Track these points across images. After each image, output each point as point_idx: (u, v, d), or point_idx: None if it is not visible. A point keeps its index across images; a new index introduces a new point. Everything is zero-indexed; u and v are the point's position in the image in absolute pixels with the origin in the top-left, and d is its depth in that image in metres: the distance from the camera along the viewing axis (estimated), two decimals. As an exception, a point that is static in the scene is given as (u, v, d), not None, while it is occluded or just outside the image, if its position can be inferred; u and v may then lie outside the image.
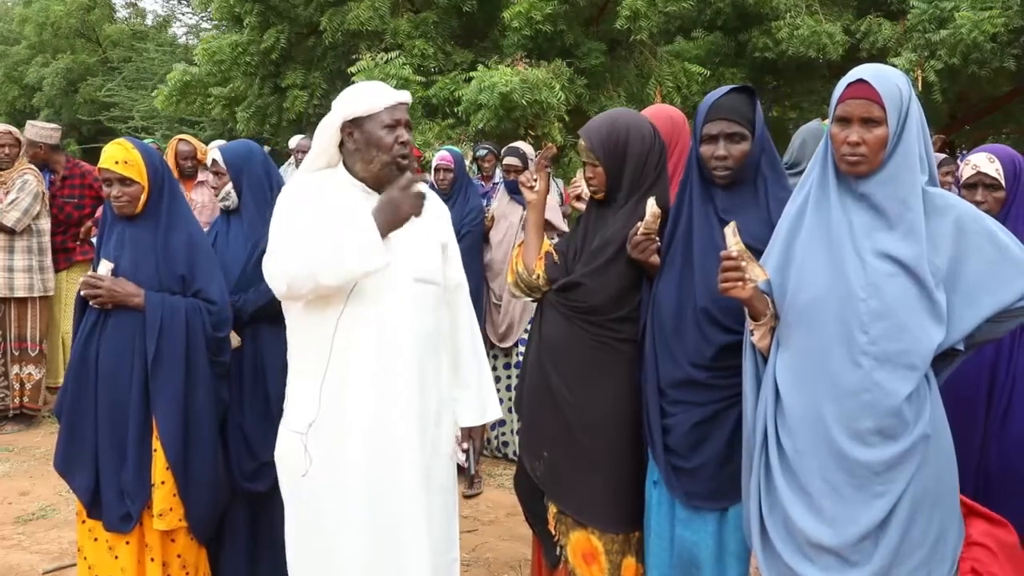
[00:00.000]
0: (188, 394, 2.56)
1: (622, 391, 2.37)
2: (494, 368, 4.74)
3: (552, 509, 2.47)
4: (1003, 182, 2.52)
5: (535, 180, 2.53)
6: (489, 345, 4.76)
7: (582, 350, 2.39)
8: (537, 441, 2.49)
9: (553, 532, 2.47)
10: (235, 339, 2.79)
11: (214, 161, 2.95)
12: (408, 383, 2.18)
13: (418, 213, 2.09)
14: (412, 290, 2.20)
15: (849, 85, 1.84)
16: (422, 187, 2.16)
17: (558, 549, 2.46)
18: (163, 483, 2.55)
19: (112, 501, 2.54)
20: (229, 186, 2.92)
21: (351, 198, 2.20)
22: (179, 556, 2.63)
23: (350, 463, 2.15)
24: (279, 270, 2.09)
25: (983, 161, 2.57)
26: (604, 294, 2.37)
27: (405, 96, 2.23)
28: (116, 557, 2.57)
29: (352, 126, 2.19)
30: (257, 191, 2.93)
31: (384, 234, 2.03)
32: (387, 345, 2.15)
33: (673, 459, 2.25)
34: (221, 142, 6.98)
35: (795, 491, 1.90)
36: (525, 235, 2.62)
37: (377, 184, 2.21)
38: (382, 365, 2.15)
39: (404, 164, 2.19)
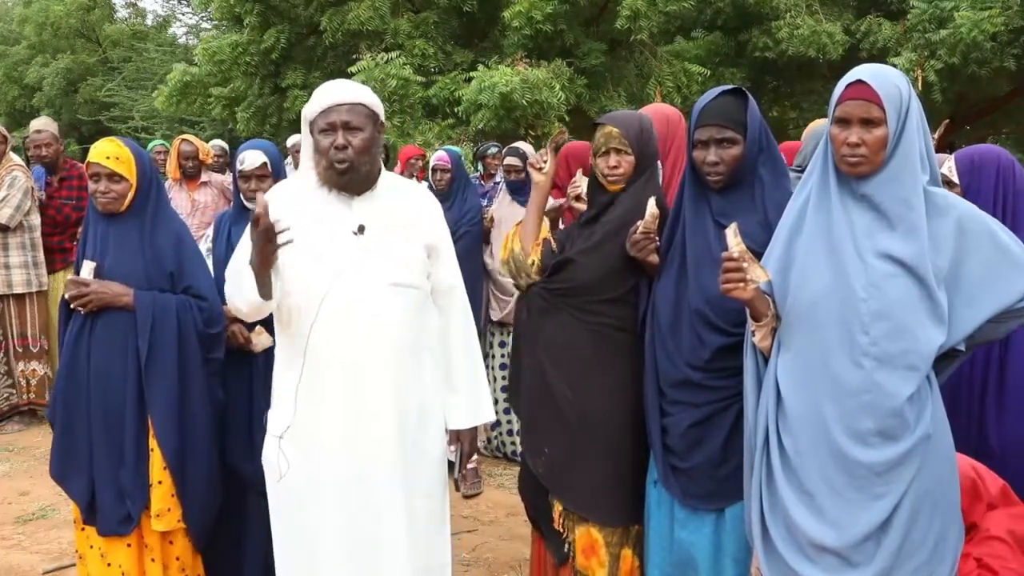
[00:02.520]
0: (183, 392, 2.55)
1: (621, 383, 2.38)
2: (491, 369, 4.73)
3: (558, 506, 2.48)
4: (955, 178, 2.59)
5: (545, 161, 2.54)
6: (488, 344, 4.76)
7: (579, 344, 2.40)
8: (538, 439, 2.51)
9: (560, 529, 2.47)
10: (268, 339, 2.79)
11: (263, 164, 2.96)
12: (383, 388, 2.16)
13: (272, 248, 1.99)
14: (386, 294, 2.16)
15: (848, 86, 1.83)
16: (387, 189, 2.24)
17: (566, 546, 2.47)
18: (160, 483, 2.54)
19: (111, 504, 2.52)
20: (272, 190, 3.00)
21: (314, 204, 2.19)
22: (178, 559, 2.62)
23: (326, 467, 2.16)
24: (226, 295, 2.25)
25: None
26: (591, 273, 2.38)
27: (346, 95, 2.15)
28: (108, 564, 2.55)
29: (311, 130, 2.21)
30: None
31: (259, 271, 2.04)
32: (361, 350, 2.14)
33: (671, 459, 2.26)
34: (220, 142, 6.98)
35: (796, 492, 1.90)
36: (525, 215, 2.62)
37: (329, 187, 2.19)
38: (356, 370, 2.14)
39: (340, 168, 2.13)
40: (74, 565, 3.46)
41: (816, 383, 1.87)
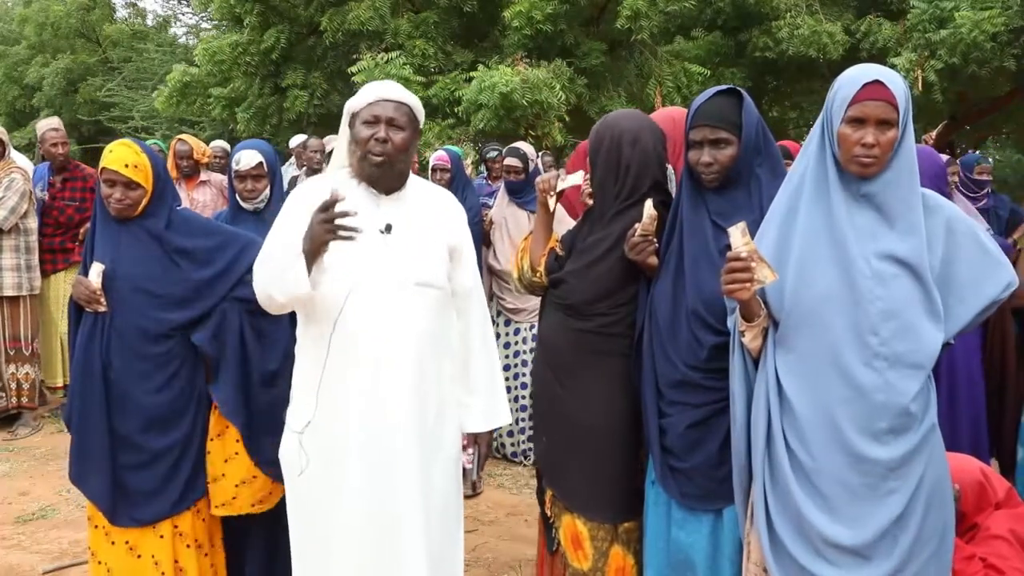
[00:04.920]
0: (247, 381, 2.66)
1: (612, 385, 2.40)
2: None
3: (549, 492, 2.53)
4: None
5: (552, 196, 2.56)
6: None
7: (567, 344, 2.44)
8: (539, 427, 2.59)
9: (549, 514, 2.53)
10: None
11: (259, 163, 3.00)
12: (404, 386, 2.18)
13: (332, 237, 2.02)
14: (411, 293, 2.18)
15: (865, 86, 1.81)
16: (412, 191, 2.23)
17: (553, 531, 2.52)
18: (255, 478, 2.65)
19: (150, 492, 2.54)
20: (268, 189, 3.04)
21: (351, 197, 2.19)
22: (196, 540, 2.66)
23: (346, 464, 2.16)
24: (253, 287, 2.22)
25: None
26: (583, 293, 2.40)
27: (395, 94, 2.20)
28: (139, 556, 2.57)
29: (351, 123, 2.24)
30: (280, 191, 3.08)
31: (309, 260, 2.05)
32: (383, 348, 2.15)
33: (669, 459, 2.26)
34: (222, 143, 6.99)
35: (808, 492, 1.89)
36: (534, 230, 2.64)
37: (364, 180, 2.21)
38: (378, 368, 2.15)
39: (375, 161, 2.16)
40: (74, 565, 3.47)
41: (825, 385, 1.86)
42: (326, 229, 2.00)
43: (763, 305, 1.95)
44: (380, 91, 2.20)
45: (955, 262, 1.86)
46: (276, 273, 2.12)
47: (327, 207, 1.99)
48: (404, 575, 2.18)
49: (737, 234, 1.87)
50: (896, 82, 1.82)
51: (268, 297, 2.17)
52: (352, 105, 2.23)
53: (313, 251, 2.05)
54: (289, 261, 2.07)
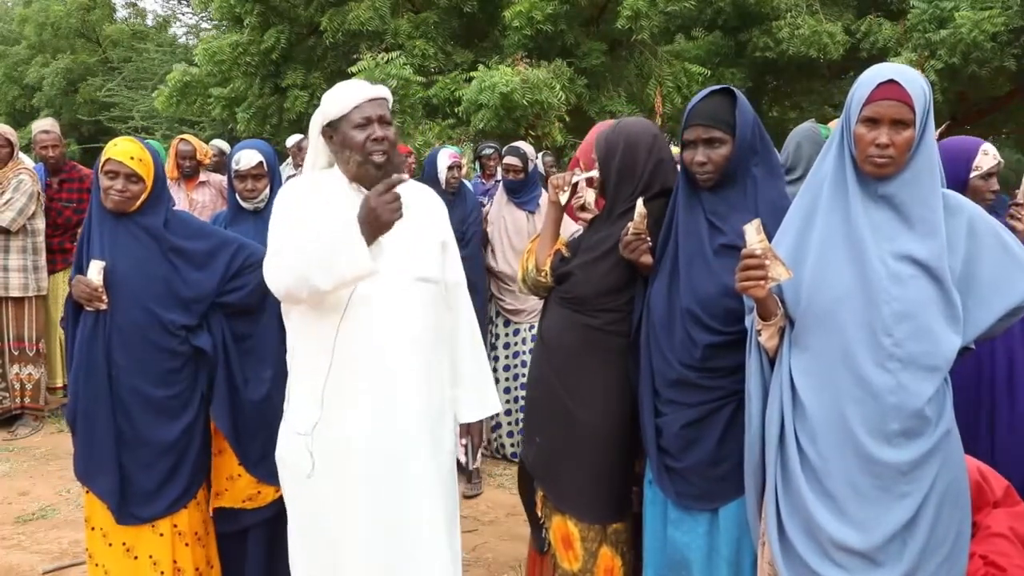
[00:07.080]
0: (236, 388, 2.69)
1: (611, 385, 2.40)
2: (493, 370, 4.73)
3: (540, 492, 2.53)
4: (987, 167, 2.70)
5: (565, 190, 2.57)
6: (490, 347, 4.76)
7: (572, 340, 2.44)
8: (532, 427, 2.58)
9: (540, 515, 2.53)
10: None
11: (259, 163, 3.01)
12: (412, 383, 2.18)
13: (397, 217, 1.98)
14: (413, 290, 2.20)
15: (879, 86, 1.80)
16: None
17: (543, 531, 2.51)
18: (239, 476, 2.68)
19: (151, 491, 2.56)
20: (268, 189, 3.05)
21: (344, 198, 2.20)
22: (195, 533, 2.69)
23: (354, 465, 2.15)
24: (277, 275, 2.11)
25: (995, 152, 2.70)
26: (590, 286, 2.41)
27: (375, 91, 2.19)
28: (136, 557, 2.58)
29: (330, 129, 2.21)
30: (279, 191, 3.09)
31: (369, 242, 1.98)
32: (390, 345, 2.15)
33: (665, 459, 2.26)
34: (220, 143, 6.99)
35: (818, 494, 1.88)
36: (542, 230, 2.64)
37: (363, 183, 2.21)
38: (385, 365, 2.15)
39: (378, 161, 2.16)
40: (74, 565, 3.47)
41: (838, 385, 1.85)
42: (393, 209, 1.95)
43: (780, 304, 1.94)
44: (363, 92, 2.18)
45: (977, 264, 1.83)
46: (324, 257, 1.99)
47: (391, 187, 1.96)
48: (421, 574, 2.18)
49: (752, 231, 1.86)
50: (913, 82, 1.80)
51: (307, 286, 2.03)
52: (330, 112, 2.19)
53: (373, 234, 1.97)
54: (343, 243, 1.97)
